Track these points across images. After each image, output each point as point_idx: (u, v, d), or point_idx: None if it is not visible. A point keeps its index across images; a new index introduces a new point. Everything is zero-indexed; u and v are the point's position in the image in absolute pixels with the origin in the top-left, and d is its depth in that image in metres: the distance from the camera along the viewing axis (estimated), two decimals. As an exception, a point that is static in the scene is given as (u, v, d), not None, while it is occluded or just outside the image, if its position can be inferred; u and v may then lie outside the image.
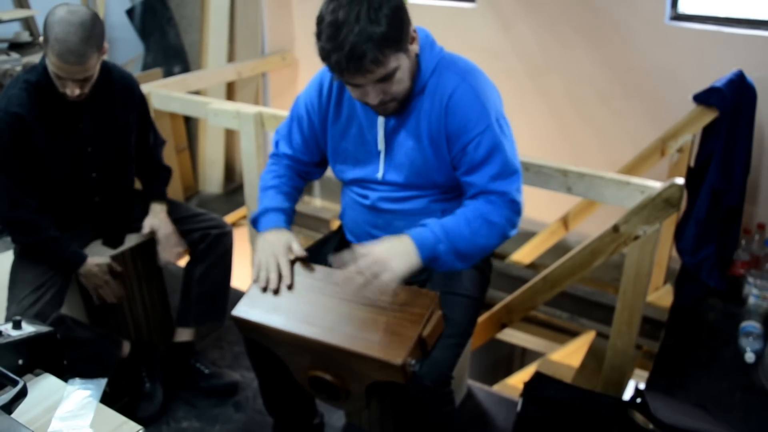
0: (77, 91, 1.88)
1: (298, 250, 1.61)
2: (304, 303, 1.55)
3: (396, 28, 1.37)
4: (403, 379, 1.41)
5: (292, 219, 1.74)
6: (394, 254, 1.47)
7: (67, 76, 1.83)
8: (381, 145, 1.61)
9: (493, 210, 1.53)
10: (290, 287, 1.58)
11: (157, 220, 2.21)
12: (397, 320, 1.46)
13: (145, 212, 2.25)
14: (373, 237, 1.75)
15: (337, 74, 1.42)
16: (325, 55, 1.39)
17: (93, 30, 1.80)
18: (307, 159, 1.79)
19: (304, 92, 1.73)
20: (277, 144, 1.82)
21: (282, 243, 1.61)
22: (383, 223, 1.71)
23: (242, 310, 1.58)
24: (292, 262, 1.62)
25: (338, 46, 1.34)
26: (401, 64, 1.43)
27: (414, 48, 1.48)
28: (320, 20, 1.39)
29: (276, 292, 1.57)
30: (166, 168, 2.35)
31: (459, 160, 1.56)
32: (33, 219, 1.98)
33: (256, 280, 1.60)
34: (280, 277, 1.58)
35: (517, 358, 4.40)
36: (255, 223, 1.72)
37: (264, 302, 1.58)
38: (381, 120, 1.59)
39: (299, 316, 1.53)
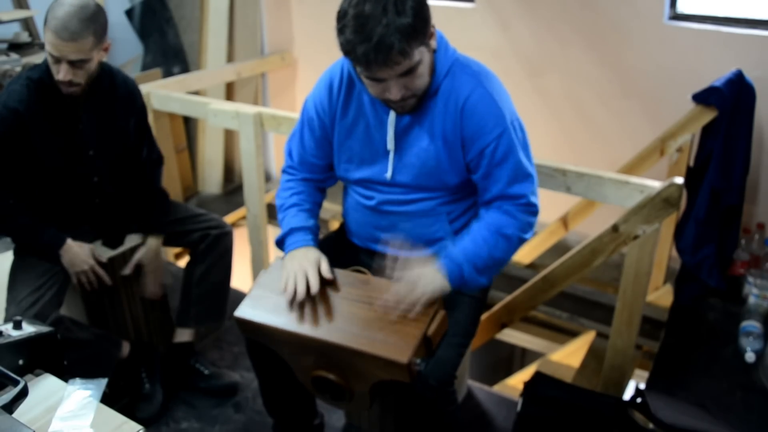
0: (69, 76, 1.85)
1: (326, 271, 1.58)
2: (307, 303, 1.55)
3: (421, 20, 1.39)
4: (408, 378, 1.41)
5: (318, 236, 1.72)
6: (427, 279, 1.50)
7: (60, 54, 1.81)
8: (390, 145, 1.61)
9: (508, 222, 1.57)
10: (320, 300, 1.55)
11: (146, 257, 2.20)
12: (401, 319, 1.46)
13: (143, 215, 2.24)
14: (377, 239, 1.75)
15: (362, 67, 1.41)
16: (350, 48, 1.38)
17: (93, 16, 1.81)
18: (321, 162, 1.77)
19: (312, 93, 1.72)
20: (290, 153, 1.81)
21: (311, 259, 1.59)
22: (387, 224, 1.71)
23: (245, 311, 1.58)
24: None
25: (366, 37, 1.34)
26: (423, 58, 1.44)
27: (432, 44, 1.49)
28: (343, 15, 1.38)
29: (302, 305, 1.55)
30: (162, 193, 2.29)
31: (476, 163, 1.57)
32: (6, 210, 1.97)
33: (283, 292, 1.56)
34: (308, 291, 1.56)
35: (518, 358, 4.40)
36: (280, 244, 1.70)
37: (266, 303, 1.58)
38: (392, 119, 1.58)
39: (302, 316, 1.52)
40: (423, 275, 1.50)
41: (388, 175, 1.63)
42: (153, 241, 2.21)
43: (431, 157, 1.58)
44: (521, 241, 1.60)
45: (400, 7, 1.35)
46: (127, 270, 2.19)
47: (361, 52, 1.36)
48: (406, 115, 1.57)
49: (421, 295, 1.47)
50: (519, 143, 1.56)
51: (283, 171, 1.83)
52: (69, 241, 2.03)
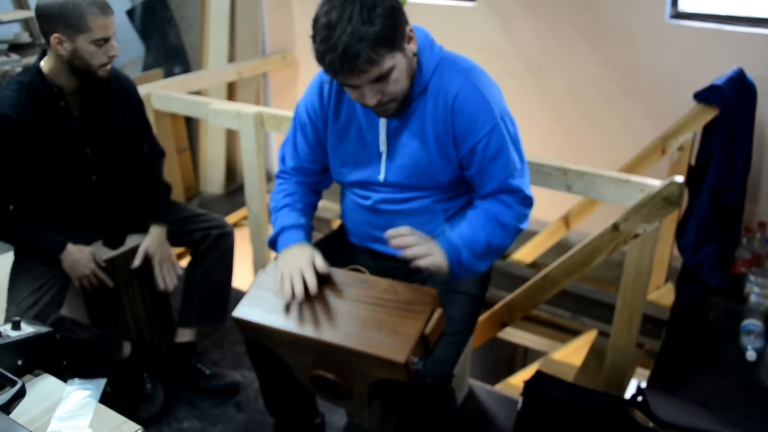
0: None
1: (322, 265, 1.56)
2: (304, 302, 1.55)
3: (390, 28, 1.37)
4: (406, 377, 1.41)
5: (311, 235, 1.71)
6: (435, 249, 1.53)
7: (113, 31, 1.88)
8: (383, 147, 1.61)
9: (505, 211, 1.58)
10: (317, 300, 1.54)
11: (153, 246, 2.17)
12: (398, 318, 1.46)
13: (145, 207, 2.24)
14: (374, 238, 1.75)
15: (332, 75, 1.42)
16: (320, 57, 1.39)
17: None
18: (315, 167, 1.77)
19: (303, 98, 1.72)
20: (283, 159, 1.80)
21: (305, 256, 1.56)
22: (384, 223, 1.70)
23: (243, 311, 1.58)
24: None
25: (332, 47, 1.34)
26: (397, 64, 1.42)
27: (411, 48, 1.47)
28: (315, 22, 1.39)
29: (300, 305, 1.53)
30: (165, 185, 2.28)
31: (469, 159, 1.57)
32: (4, 216, 1.97)
33: (280, 293, 1.54)
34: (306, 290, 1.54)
35: (520, 357, 4.40)
36: (273, 244, 1.69)
37: (264, 302, 1.58)
38: (383, 121, 1.58)
39: (300, 315, 1.52)
40: (434, 245, 1.53)
41: (381, 176, 1.64)
42: (156, 230, 2.19)
43: (423, 157, 1.58)
44: (517, 230, 1.62)
45: (366, 15, 1.33)
46: (137, 261, 2.15)
47: (328, 61, 1.37)
48: (395, 117, 1.57)
49: (425, 252, 1.49)
50: (510, 138, 1.57)
51: (277, 176, 1.82)
52: (69, 247, 2.02)
